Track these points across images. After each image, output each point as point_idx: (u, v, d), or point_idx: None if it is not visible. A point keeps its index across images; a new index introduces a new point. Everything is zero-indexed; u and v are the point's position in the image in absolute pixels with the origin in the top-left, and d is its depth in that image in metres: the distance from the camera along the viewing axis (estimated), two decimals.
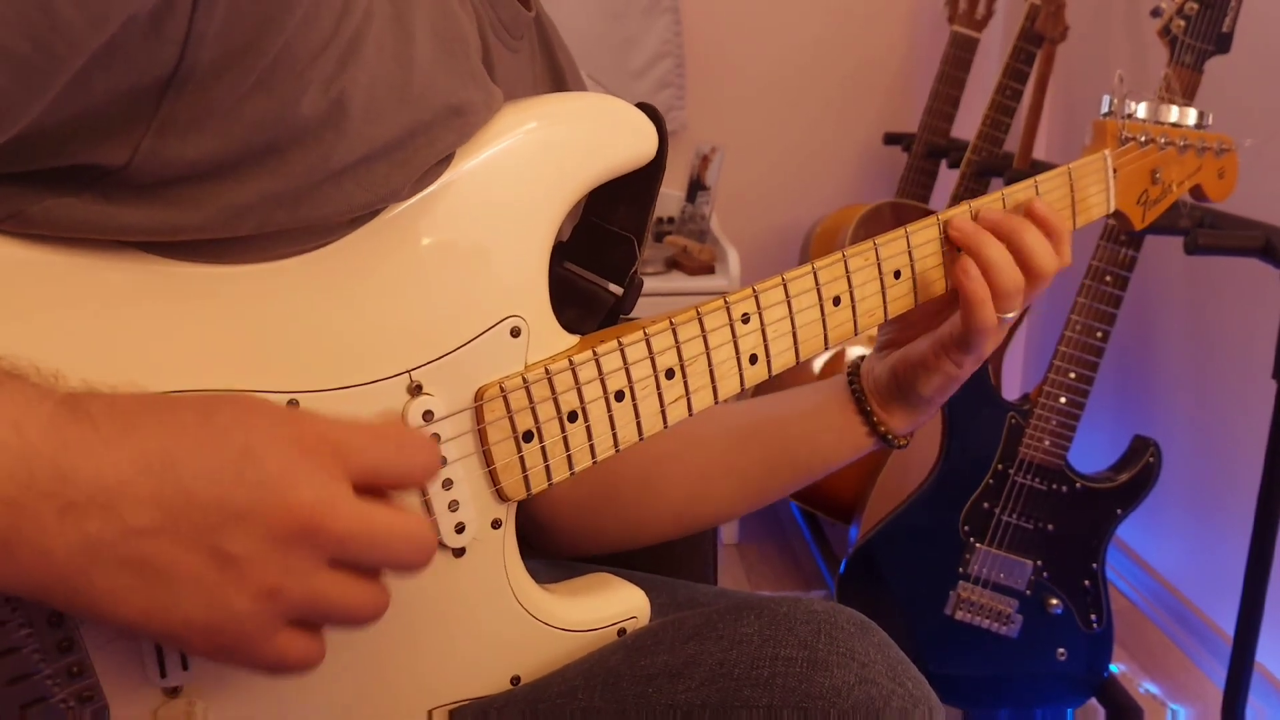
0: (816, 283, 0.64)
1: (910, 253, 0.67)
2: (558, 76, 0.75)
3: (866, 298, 0.66)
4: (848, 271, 0.65)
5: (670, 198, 2.16)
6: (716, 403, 0.63)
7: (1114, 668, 1.59)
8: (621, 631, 0.64)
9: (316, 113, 0.47)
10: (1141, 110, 0.78)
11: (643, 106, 0.60)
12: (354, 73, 0.47)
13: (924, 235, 0.67)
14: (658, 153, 0.60)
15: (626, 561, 0.84)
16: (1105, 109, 0.78)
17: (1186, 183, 0.82)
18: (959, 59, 2.02)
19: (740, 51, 2.25)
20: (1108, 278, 1.44)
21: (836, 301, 0.65)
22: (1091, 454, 1.64)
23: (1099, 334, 1.45)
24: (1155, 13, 1.40)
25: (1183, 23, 1.38)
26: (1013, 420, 1.48)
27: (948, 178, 2.02)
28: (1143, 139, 0.78)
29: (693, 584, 0.79)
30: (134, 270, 0.47)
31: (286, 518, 0.43)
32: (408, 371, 0.53)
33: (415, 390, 0.54)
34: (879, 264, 0.66)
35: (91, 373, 0.45)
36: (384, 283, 0.53)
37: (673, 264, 1.97)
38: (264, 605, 0.43)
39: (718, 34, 2.22)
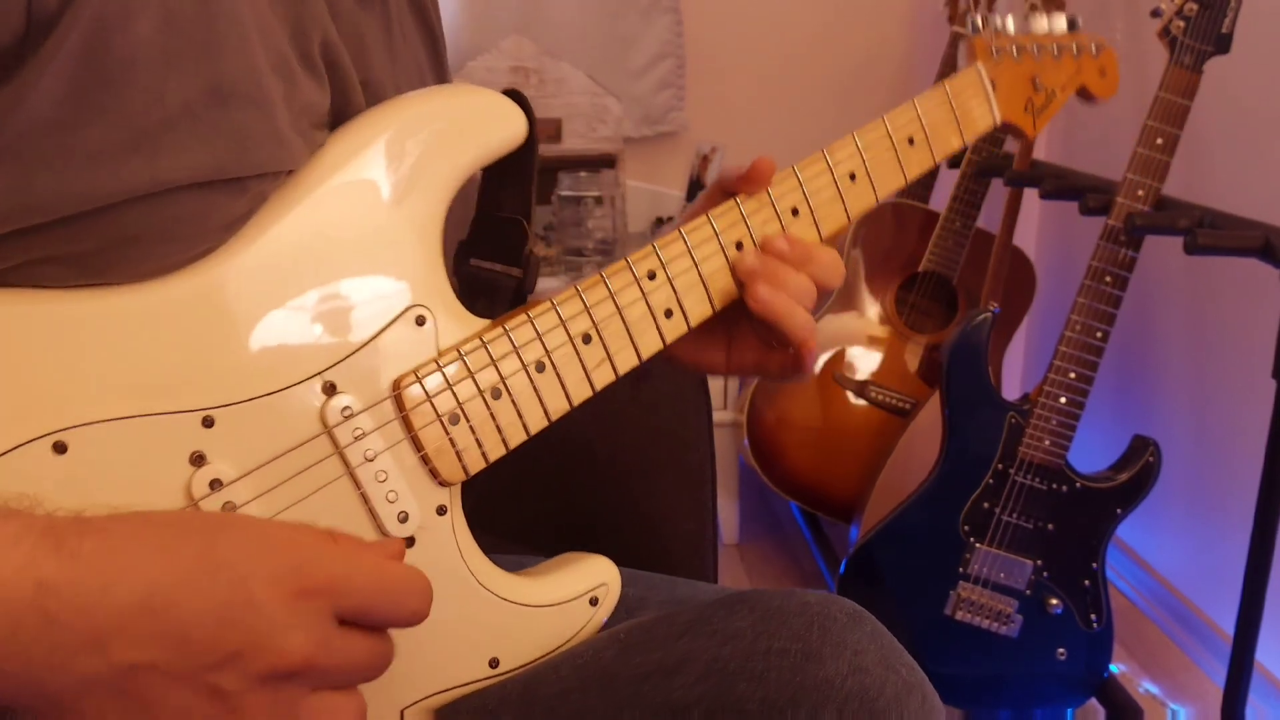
0: (715, 231, 0.65)
1: (803, 188, 0.68)
2: (431, 39, 0.74)
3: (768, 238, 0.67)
4: (744, 216, 0.66)
5: (670, 198, 2.16)
6: (641, 362, 0.64)
7: (1114, 668, 1.59)
8: (593, 601, 0.64)
9: (147, 38, 0.47)
10: (1010, 24, 0.80)
11: (508, 92, 0.62)
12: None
13: (814, 169, 0.68)
14: (529, 132, 0.62)
15: (625, 561, 0.84)
16: (970, 29, 0.79)
17: (1069, 86, 0.83)
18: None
19: (740, 52, 2.25)
20: (1107, 278, 1.44)
21: (739, 246, 0.66)
22: (1091, 454, 1.64)
23: (1099, 334, 1.45)
24: (1155, 13, 1.40)
25: (1182, 23, 1.38)
26: (1013, 420, 1.48)
27: (948, 177, 2.02)
28: (1015, 50, 0.79)
29: (693, 582, 0.79)
30: (18, 309, 0.48)
31: (279, 661, 0.44)
32: (318, 374, 0.54)
33: (329, 389, 0.55)
34: (773, 204, 0.67)
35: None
36: (276, 290, 0.54)
37: None
38: None
39: (718, 34, 2.23)
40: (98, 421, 0.49)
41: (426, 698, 0.60)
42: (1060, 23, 0.82)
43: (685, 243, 0.64)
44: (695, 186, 2.11)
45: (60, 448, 0.48)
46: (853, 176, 0.69)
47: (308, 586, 0.45)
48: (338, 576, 0.47)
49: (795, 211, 0.68)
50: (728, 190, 0.68)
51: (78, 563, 0.41)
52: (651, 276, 0.63)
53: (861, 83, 2.30)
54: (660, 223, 2.17)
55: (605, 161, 2.01)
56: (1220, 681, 1.42)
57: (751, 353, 0.70)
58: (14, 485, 0.46)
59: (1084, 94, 0.85)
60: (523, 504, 0.79)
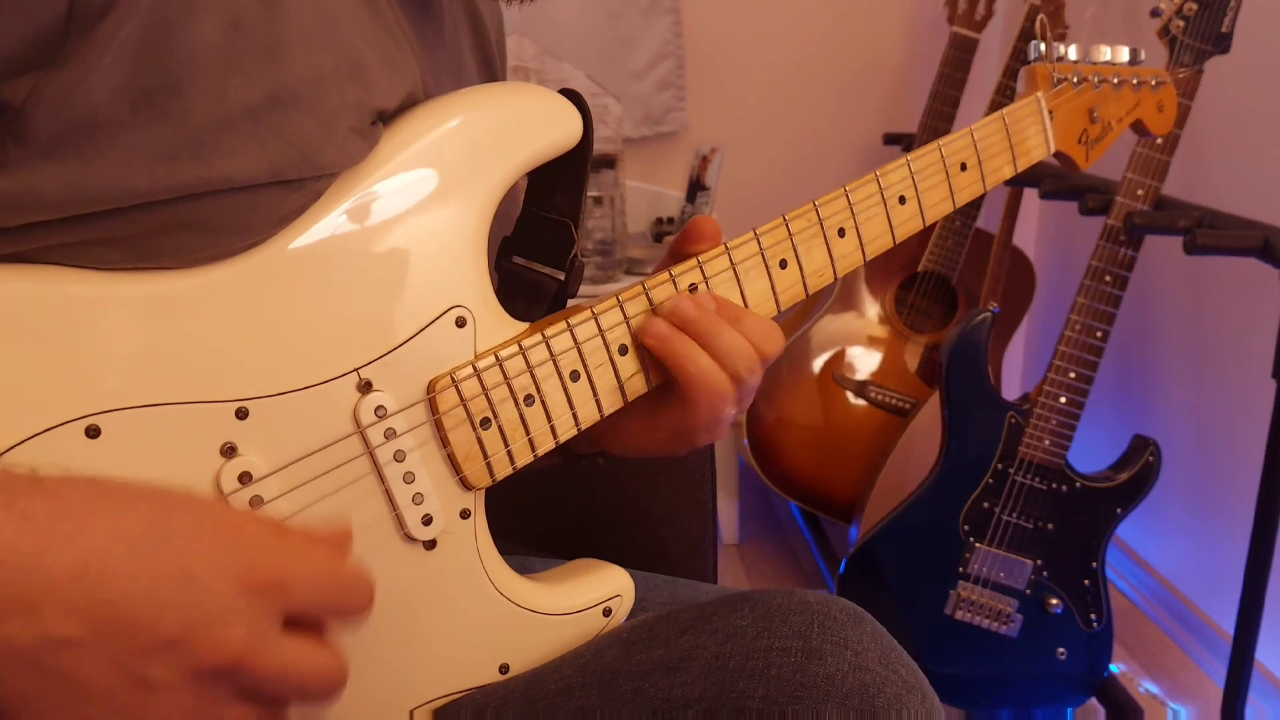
0: (760, 247, 0.65)
1: (852, 209, 0.67)
2: (482, 44, 0.74)
3: (813, 258, 0.66)
4: (790, 234, 0.65)
5: (670, 198, 2.16)
6: None
7: (1114, 667, 1.59)
8: (607, 611, 0.64)
9: (211, 40, 0.46)
10: (1072, 52, 0.79)
11: (565, 92, 0.61)
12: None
13: (865, 191, 0.68)
14: (584, 135, 0.61)
15: (625, 562, 0.84)
16: (1034, 55, 0.78)
17: (1126, 119, 0.82)
18: (959, 59, 2.02)
19: (740, 52, 2.25)
20: (1107, 277, 1.44)
21: (783, 264, 0.66)
22: (1091, 453, 1.64)
23: (1099, 333, 1.45)
24: (1155, 13, 1.41)
25: (1182, 23, 1.38)
26: (1012, 420, 1.48)
27: None
28: (1075, 80, 0.78)
29: (693, 583, 0.79)
30: (61, 289, 0.47)
31: (212, 655, 0.42)
32: (355, 370, 0.54)
33: (365, 387, 0.54)
34: (821, 224, 0.66)
35: (32, 402, 0.46)
36: (320, 284, 0.53)
37: None
38: None
39: (718, 35, 2.23)
40: (132, 407, 0.48)
41: (434, 700, 0.60)
42: (1122, 54, 0.81)
43: (730, 258, 0.64)
44: (695, 187, 2.11)
45: (93, 432, 0.47)
46: (902, 199, 0.69)
47: (257, 581, 0.43)
48: (288, 573, 0.45)
49: (842, 233, 0.67)
50: (685, 250, 0.65)
51: (24, 523, 0.40)
52: (693, 290, 0.63)
53: (861, 83, 2.30)
54: (660, 223, 2.16)
55: (605, 162, 2.01)
56: (1220, 681, 1.42)
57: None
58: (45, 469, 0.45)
59: (1138, 128, 0.84)
60: (522, 504, 0.78)
